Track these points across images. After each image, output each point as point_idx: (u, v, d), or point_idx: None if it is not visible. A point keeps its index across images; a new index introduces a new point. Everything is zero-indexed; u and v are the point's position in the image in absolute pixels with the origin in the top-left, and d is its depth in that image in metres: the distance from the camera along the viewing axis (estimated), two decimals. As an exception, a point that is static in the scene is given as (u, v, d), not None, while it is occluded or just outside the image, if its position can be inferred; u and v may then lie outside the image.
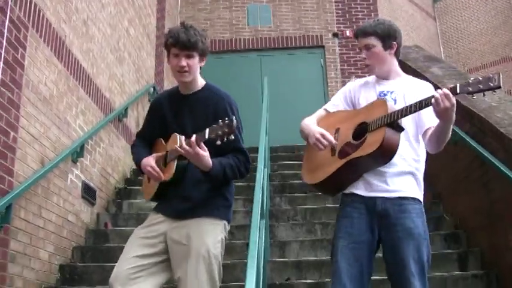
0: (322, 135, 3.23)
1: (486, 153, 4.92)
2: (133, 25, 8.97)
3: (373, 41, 3.30)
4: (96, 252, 5.98)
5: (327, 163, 3.23)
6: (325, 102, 10.84)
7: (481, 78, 2.78)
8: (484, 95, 2.82)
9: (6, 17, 4.67)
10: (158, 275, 3.21)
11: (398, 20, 17.00)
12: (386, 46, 3.31)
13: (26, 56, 5.02)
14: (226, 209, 3.35)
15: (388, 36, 3.31)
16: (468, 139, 5.33)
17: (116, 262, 5.26)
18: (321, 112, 3.51)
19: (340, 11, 12.95)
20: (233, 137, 2.93)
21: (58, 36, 5.78)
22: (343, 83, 12.09)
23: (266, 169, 6.23)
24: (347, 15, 12.89)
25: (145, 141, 3.58)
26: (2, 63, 4.58)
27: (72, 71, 6.14)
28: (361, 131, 3.14)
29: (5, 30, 4.65)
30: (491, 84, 2.74)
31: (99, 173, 6.93)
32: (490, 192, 5.17)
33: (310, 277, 5.32)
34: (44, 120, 5.34)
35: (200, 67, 3.34)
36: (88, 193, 6.41)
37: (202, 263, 3.14)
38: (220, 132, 2.90)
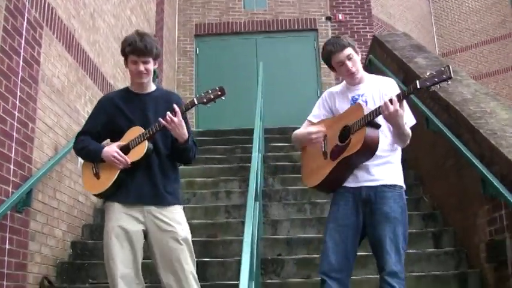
0: (310, 132, 3.80)
1: (459, 144, 5.41)
2: (135, 13, 9.42)
3: (350, 50, 3.80)
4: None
5: (322, 166, 3.76)
6: (318, 84, 11.53)
7: (434, 73, 3.35)
8: (439, 86, 3.35)
9: (24, 19, 5.14)
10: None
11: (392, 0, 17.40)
12: (358, 53, 3.87)
13: (42, 53, 5.49)
14: (181, 195, 3.93)
15: (355, 46, 3.85)
16: (444, 129, 5.81)
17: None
18: (305, 123, 4.02)
19: (333, -5, 13.35)
20: (223, 98, 3.57)
21: (68, 31, 6.25)
22: (336, 65, 12.56)
23: (260, 154, 6.72)
24: (340, -2, 13.31)
25: (93, 138, 3.81)
26: (21, 61, 5.06)
27: (81, 62, 6.62)
28: (345, 134, 3.66)
29: (23, 31, 5.12)
30: (444, 76, 3.30)
31: (105, 156, 7.43)
32: (462, 178, 5.68)
33: (300, 253, 5.84)
34: (57, 111, 5.83)
35: (154, 68, 3.80)
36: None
37: (187, 248, 3.65)
38: (212, 96, 3.54)
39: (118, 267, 3.54)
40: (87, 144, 3.77)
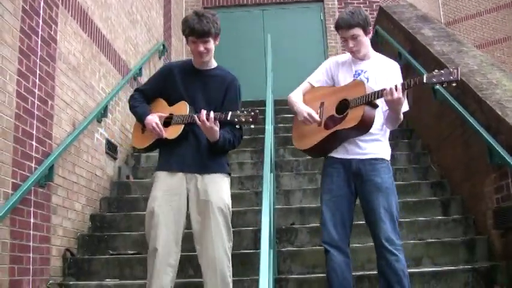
0: (310, 115, 3.94)
1: (466, 114, 5.55)
2: (144, -13, 9.52)
3: (357, 31, 3.96)
4: (121, 202, 6.70)
5: (314, 132, 3.96)
6: (324, 56, 11.68)
7: (443, 72, 3.53)
8: (444, 85, 3.54)
9: (41, -1, 5.28)
10: (182, 233, 3.90)
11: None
12: (366, 33, 4.02)
13: (58, 31, 5.62)
14: (228, 165, 4.10)
15: (367, 24, 3.99)
16: (452, 100, 5.95)
17: (138, 211, 6.10)
18: (305, 85, 4.22)
19: (338, -35, 13.35)
20: (252, 126, 3.71)
21: (82, 9, 6.36)
22: (342, 36, 12.61)
23: (272, 126, 6.86)
24: (345, -31, 13.31)
25: (145, 97, 4.15)
26: (39, 40, 5.20)
27: (95, 39, 6.75)
28: (342, 107, 3.85)
29: (41, 11, 5.25)
30: (452, 78, 3.49)
31: (119, 130, 7.60)
32: (469, 147, 5.83)
33: (312, 222, 6.02)
34: (74, 87, 5.98)
35: (215, 45, 3.96)
36: (111, 149, 7.10)
37: (222, 215, 3.85)
38: (243, 119, 3.62)
39: (158, 234, 3.76)
40: (138, 104, 4.11)
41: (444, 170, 6.77)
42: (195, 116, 3.78)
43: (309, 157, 7.51)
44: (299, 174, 7.14)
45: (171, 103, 4.04)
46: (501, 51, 18.88)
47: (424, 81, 3.57)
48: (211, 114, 3.70)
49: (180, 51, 12.71)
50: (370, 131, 3.83)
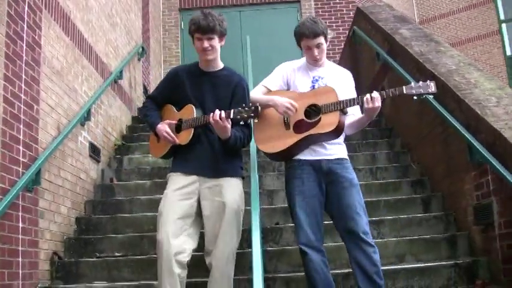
0: (291, 103, 4.01)
1: (446, 114, 5.66)
2: (123, -10, 9.54)
3: (322, 39, 4.12)
4: (105, 205, 6.73)
5: (284, 136, 4.05)
6: (301, 55, 11.75)
7: (421, 84, 3.79)
8: (423, 97, 3.88)
9: (25, 4, 5.28)
10: (194, 234, 3.95)
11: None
12: (327, 41, 4.18)
13: (42, 36, 5.64)
14: (242, 169, 4.19)
15: (327, 33, 4.15)
16: (432, 100, 6.05)
17: (123, 213, 6.14)
18: (262, 88, 4.30)
19: (315, -34, 13.47)
20: (256, 120, 3.84)
21: (64, 13, 6.38)
22: (319, 36, 12.72)
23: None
24: (322, -30, 13.44)
25: (157, 104, 4.27)
26: (24, 45, 5.22)
27: (77, 42, 6.77)
28: (311, 112, 3.99)
29: (25, 16, 5.26)
30: (429, 90, 3.78)
31: (102, 133, 7.63)
32: (448, 146, 5.96)
33: (296, 222, 6.12)
34: (58, 91, 5.99)
35: (220, 46, 4.05)
36: (94, 152, 7.12)
37: (235, 216, 3.94)
38: (245, 115, 3.72)
39: (164, 226, 3.83)
40: (149, 113, 4.22)
41: (424, 168, 6.91)
42: (207, 117, 3.87)
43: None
44: (281, 175, 7.19)
45: (179, 107, 4.12)
46: (474, 49, 19.17)
47: (404, 92, 3.79)
48: (222, 113, 3.78)
49: (159, 53, 12.76)
50: None
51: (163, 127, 4.04)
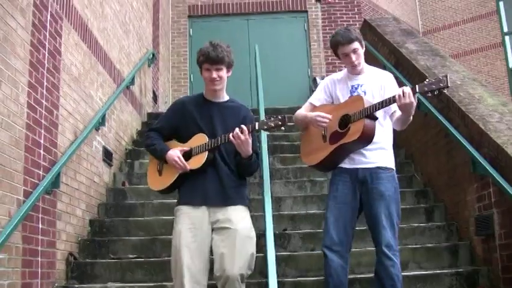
0: (319, 116, 4.19)
1: (451, 128, 5.86)
2: (136, -2, 9.78)
3: (357, 45, 4.24)
4: (118, 208, 6.94)
5: (321, 148, 4.25)
6: (308, 65, 12.05)
7: (433, 80, 3.85)
8: (437, 92, 3.84)
9: (48, 13, 5.50)
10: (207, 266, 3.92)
11: (376, -21, 17.72)
12: (362, 46, 4.31)
13: (62, 44, 5.86)
14: (248, 200, 4.18)
15: (362, 40, 4.30)
16: (436, 113, 6.26)
17: (136, 217, 6.32)
18: (307, 105, 4.49)
19: (322, -24, 13.69)
20: (283, 128, 3.86)
21: (83, 21, 6.60)
22: (325, 45, 12.98)
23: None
24: (329, -20, 13.66)
25: (161, 135, 4.15)
26: (46, 53, 5.43)
27: (93, 49, 6.98)
28: (344, 121, 4.13)
29: (48, 24, 5.48)
30: (441, 85, 3.80)
31: (114, 137, 7.84)
32: (452, 158, 6.17)
33: (303, 228, 6.35)
34: (75, 97, 6.21)
35: (227, 77, 4.10)
36: (107, 156, 7.33)
37: (249, 241, 3.90)
38: (272, 124, 3.80)
39: (184, 271, 3.76)
40: (156, 142, 4.11)
41: (427, 179, 7.11)
42: (228, 135, 3.84)
43: (298, 165, 7.86)
44: (289, 182, 7.43)
45: (186, 139, 4.07)
46: (477, 60, 19.34)
47: (417, 90, 3.85)
48: (244, 127, 3.80)
49: (167, 59, 12.97)
50: (374, 140, 4.09)
51: (175, 152, 3.97)
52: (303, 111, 4.44)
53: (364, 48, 4.32)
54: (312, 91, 12.57)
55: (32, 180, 4.97)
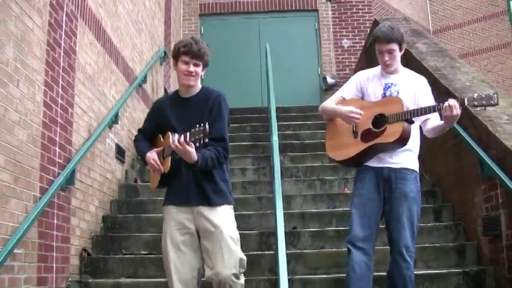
0: (353, 111, 4.19)
1: (460, 129, 5.92)
2: (148, -4, 9.88)
3: (394, 46, 4.23)
4: (130, 204, 7.06)
5: (351, 144, 4.25)
6: (318, 64, 12.15)
7: (483, 95, 3.84)
8: (485, 108, 3.95)
9: (63, 12, 5.61)
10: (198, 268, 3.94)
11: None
12: (401, 49, 4.31)
13: (77, 43, 5.97)
14: (231, 194, 4.07)
15: (402, 42, 4.29)
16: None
17: (147, 213, 6.41)
18: (337, 96, 4.47)
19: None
20: (207, 140, 3.62)
21: (97, 20, 6.71)
22: (336, 45, 13.06)
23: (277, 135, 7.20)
24: (340, -20, 13.72)
25: (145, 136, 4.21)
26: (62, 52, 5.54)
27: (107, 48, 7.10)
28: (379, 121, 4.14)
29: (63, 24, 5.59)
30: (492, 102, 3.81)
31: (127, 135, 7.94)
32: (460, 159, 6.24)
33: (313, 226, 6.42)
34: (89, 95, 6.32)
35: (201, 76, 4.04)
36: (119, 153, 7.44)
37: (232, 242, 3.86)
38: (197, 136, 3.59)
39: (174, 276, 3.84)
40: (139, 144, 4.20)
41: (436, 179, 7.18)
42: (170, 143, 3.73)
43: (308, 164, 7.96)
44: (298, 181, 7.52)
45: (164, 138, 4.07)
46: (488, 60, 19.36)
47: (466, 103, 3.87)
48: (181, 138, 3.66)
49: (178, 56, 13.04)
50: None
51: (152, 155, 3.98)
52: (332, 103, 4.42)
53: (402, 51, 4.31)
54: (322, 90, 12.71)
55: (48, 177, 5.08)
